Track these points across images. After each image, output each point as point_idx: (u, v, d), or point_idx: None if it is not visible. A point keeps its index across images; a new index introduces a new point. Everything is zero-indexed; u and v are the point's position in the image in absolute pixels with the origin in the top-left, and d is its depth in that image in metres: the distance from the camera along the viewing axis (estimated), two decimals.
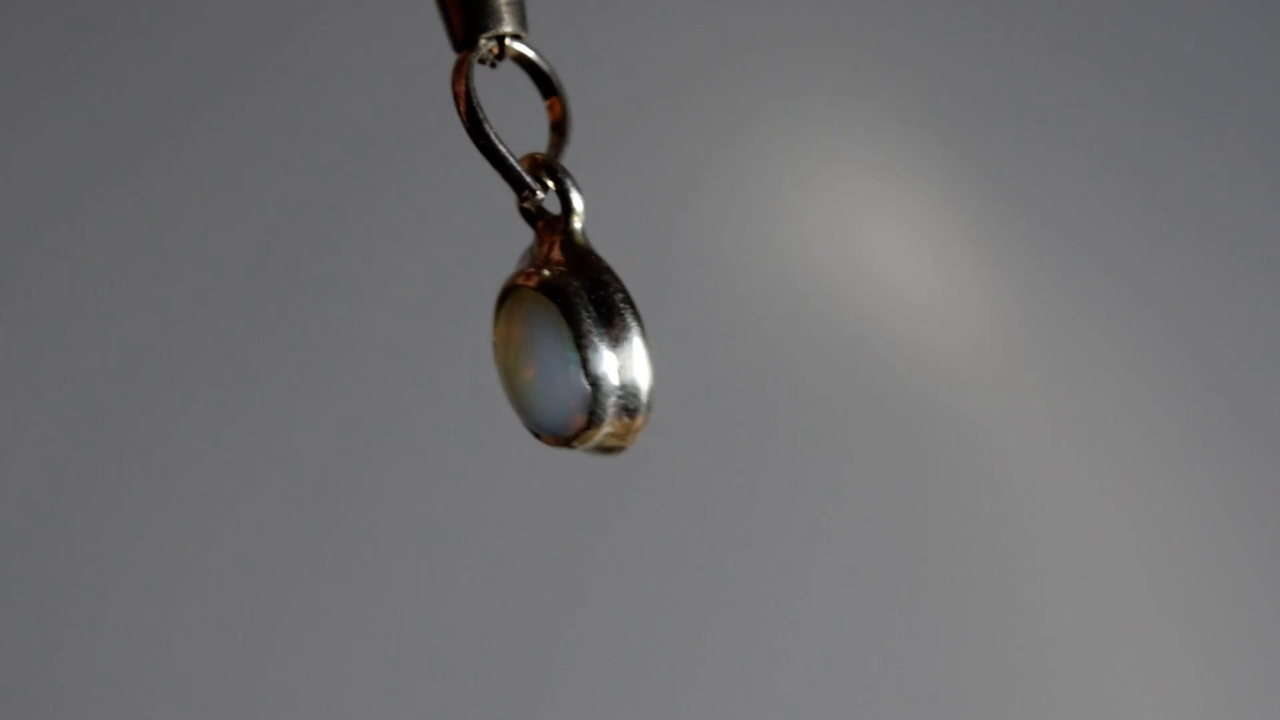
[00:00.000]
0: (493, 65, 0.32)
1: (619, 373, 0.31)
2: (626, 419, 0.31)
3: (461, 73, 0.32)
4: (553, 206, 0.32)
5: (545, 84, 0.33)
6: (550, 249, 0.32)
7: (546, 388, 0.32)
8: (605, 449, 0.32)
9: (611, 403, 0.31)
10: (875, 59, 0.80)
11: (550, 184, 0.32)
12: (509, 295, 0.32)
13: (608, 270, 0.31)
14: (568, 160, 0.32)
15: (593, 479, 0.76)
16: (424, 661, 0.75)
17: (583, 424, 0.31)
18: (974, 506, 0.81)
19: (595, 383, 0.31)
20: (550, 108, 0.33)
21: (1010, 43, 0.83)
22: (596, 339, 0.31)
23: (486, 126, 0.31)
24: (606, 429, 0.31)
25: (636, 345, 0.31)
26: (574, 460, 0.72)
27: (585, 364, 0.31)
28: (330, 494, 0.74)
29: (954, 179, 0.81)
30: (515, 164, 0.32)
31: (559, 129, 0.33)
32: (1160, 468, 0.84)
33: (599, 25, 0.76)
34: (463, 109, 0.32)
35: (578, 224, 0.32)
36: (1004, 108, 0.82)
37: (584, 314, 0.31)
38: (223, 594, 0.73)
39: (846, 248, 0.80)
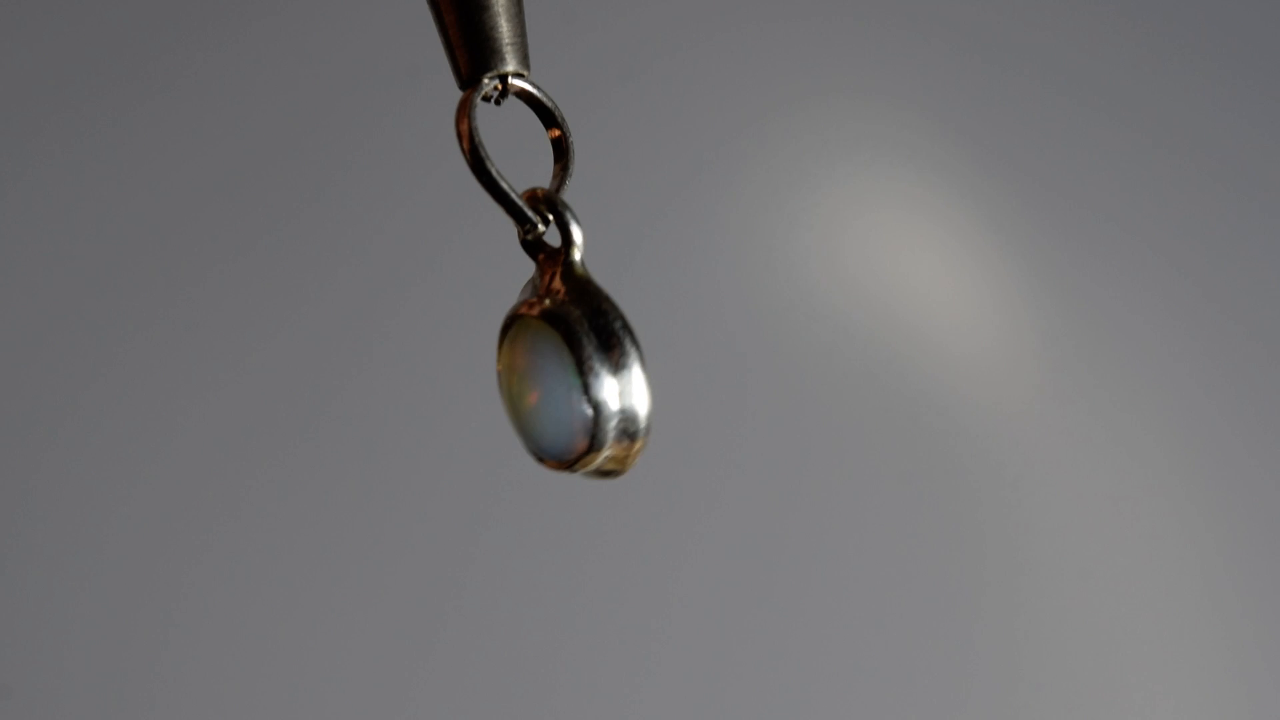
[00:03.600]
0: (497, 103, 0.34)
1: (619, 398, 0.32)
2: (627, 442, 0.32)
3: (464, 111, 0.33)
4: (553, 239, 0.33)
5: (548, 118, 0.34)
6: (551, 279, 0.33)
7: (550, 413, 0.32)
8: (605, 473, 0.33)
9: (612, 427, 0.32)
10: (904, 112, 0.88)
11: (550, 217, 0.33)
12: (513, 324, 0.33)
13: (607, 299, 0.33)
14: (574, 191, 0.34)
15: (616, 501, 0.79)
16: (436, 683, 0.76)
17: (585, 448, 0.32)
18: (1011, 534, 0.85)
19: (597, 407, 0.32)
20: (554, 141, 0.34)
21: (1021, 96, 0.91)
22: (598, 365, 0.32)
23: (488, 164, 0.33)
24: (607, 452, 0.33)
25: (635, 371, 0.32)
26: (595, 485, 0.74)
27: (587, 389, 0.32)
28: (338, 518, 0.76)
29: (971, 215, 0.89)
30: (516, 199, 0.33)
31: (561, 161, 0.34)
32: (1194, 475, 0.88)
33: (669, 88, 0.84)
34: (465, 147, 0.33)
35: (577, 255, 0.33)
36: (1015, 152, 0.90)
37: (585, 341, 0.32)
38: (225, 595, 0.74)
39: (879, 272, 0.88)
